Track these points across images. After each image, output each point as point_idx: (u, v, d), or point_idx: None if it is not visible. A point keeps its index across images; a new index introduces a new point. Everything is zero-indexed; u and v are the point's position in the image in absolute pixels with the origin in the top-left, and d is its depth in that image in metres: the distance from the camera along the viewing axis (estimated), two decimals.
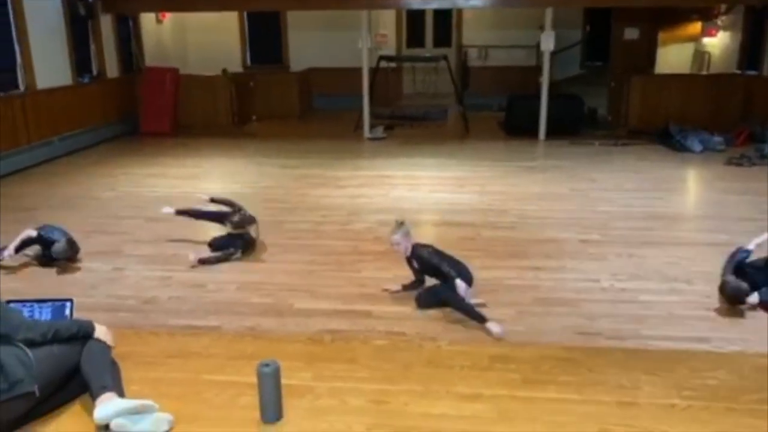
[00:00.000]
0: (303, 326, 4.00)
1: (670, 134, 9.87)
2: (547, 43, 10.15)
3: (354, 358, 2.64)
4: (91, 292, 4.67)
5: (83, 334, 2.50)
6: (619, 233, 5.84)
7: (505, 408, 2.29)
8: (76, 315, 3.88)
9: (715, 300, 4.47)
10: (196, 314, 4.31)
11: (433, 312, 4.23)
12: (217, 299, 4.57)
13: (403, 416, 2.26)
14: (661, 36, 13.01)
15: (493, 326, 3.74)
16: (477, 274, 4.97)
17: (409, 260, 4.43)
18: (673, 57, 12.97)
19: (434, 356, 2.66)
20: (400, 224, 4.35)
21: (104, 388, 2.29)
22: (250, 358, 2.31)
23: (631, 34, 12.62)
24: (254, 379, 2.28)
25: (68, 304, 2.77)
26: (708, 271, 4.96)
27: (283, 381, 2.33)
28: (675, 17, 12.36)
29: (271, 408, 2.24)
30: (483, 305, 4.11)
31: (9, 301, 2.71)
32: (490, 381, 2.46)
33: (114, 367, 2.44)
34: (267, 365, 2.23)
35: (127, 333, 2.89)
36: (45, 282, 4.82)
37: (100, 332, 2.56)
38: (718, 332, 4.01)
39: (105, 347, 2.51)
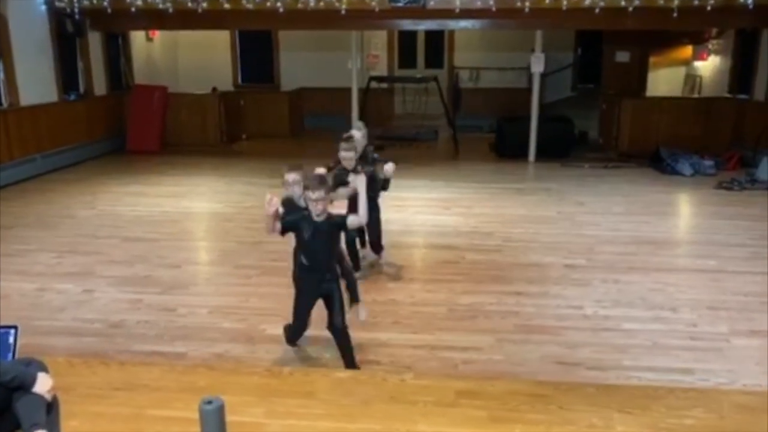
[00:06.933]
0: (273, 353, 3.88)
1: (660, 158, 9.78)
2: (537, 65, 10.10)
3: (312, 392, 2.50)
4: (57, 315, 4.54)
5: (17, 385, 2.28)
6: (605, 258, 5.72)
7: None
8: (38, 340, 3.75)
9: (700, 329, 4.34)
10: (163, 340, 4.18)
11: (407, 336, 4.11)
12: (186, 324, 4.44)
13: None
14: (653, 59, 13.01)
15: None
16: (458, 299, 4.87)
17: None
18: (664, 80, 12.95)
19: (397, 391, 2.51)
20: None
21: (36, 426, 2.15)
22: (201, 392, 2.16)
23: (622, 57, 12.63)
24: None
25: (12, 331, 2.61)
26: (694, 298, 4.85)
27: (233, 418, 2.18)
28: (666, 41, 12.35)
29: None
30: None
31: None
32: (455, 419, 2.31)
33: (51, 403, 2.28)
34: (210, 402, 2.08)
35: (75, 362, 2.74)
36: (11, 303, 4.66)
37: (41, 386, 2.33)
38: (702, 363, 3.89)
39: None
